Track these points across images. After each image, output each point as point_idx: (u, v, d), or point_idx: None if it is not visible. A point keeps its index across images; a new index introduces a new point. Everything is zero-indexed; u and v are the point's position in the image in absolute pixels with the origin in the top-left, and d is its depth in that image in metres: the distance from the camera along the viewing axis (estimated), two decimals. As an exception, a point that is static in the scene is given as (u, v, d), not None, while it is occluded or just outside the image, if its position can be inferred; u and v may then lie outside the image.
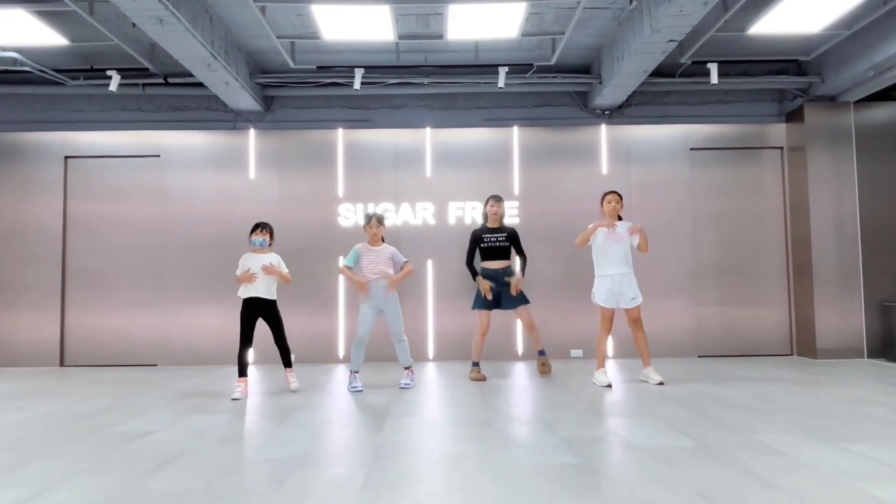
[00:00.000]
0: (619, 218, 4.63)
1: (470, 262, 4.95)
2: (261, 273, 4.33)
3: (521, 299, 4.85)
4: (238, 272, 4.33)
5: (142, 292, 6.05)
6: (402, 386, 4.51)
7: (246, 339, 4.28)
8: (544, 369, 4.98)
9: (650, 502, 2.11)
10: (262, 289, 4.34)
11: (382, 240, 4.64)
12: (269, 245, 4.42)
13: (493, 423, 3.39)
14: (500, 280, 4.86)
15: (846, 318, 5.79)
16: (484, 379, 4.85)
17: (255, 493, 2.26)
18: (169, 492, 2.30)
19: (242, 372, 4.28)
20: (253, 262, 4.36)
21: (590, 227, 4.53)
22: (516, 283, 4.77)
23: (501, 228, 4.92)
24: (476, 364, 4.95)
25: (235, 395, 4.15)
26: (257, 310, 4.36)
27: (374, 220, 4.56)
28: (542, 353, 5.03)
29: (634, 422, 3.35)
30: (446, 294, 6.03)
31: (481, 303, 4.84)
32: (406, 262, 4.62)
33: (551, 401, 3.98)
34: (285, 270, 4.45)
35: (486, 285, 4.75)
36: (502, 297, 4.83)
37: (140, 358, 5.97)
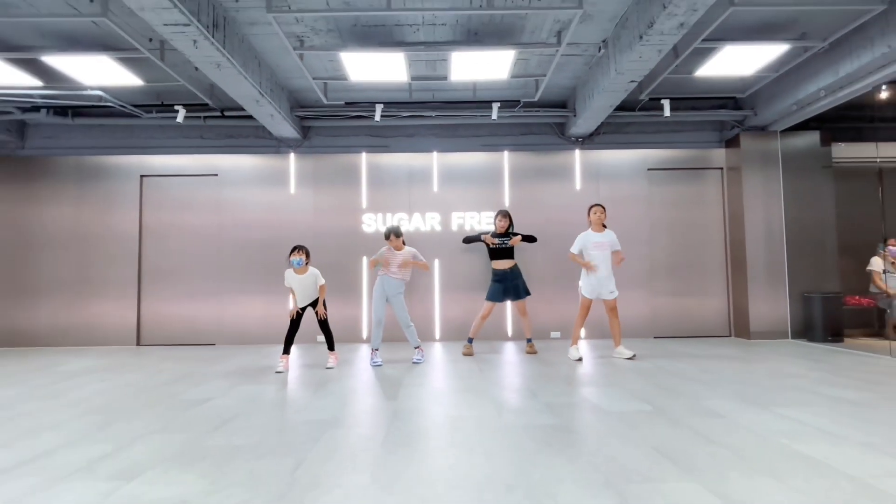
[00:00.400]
0: (604, 226, 5.02)
1: (466, 240, 5.56)
2: (300, 289, 4.63)
3: (526, 292, 5.33)
4: (286, 284, 4.68)
5: (203, 285, 6.57)
6: (414, 361, 4.86)
7: (293, 327, 4.65)
8: (531, 350, 5.38)
9: (614, 456, 2.27)
10: (306, 300, 4.71)
11: (403, 243, 4.99)
12: (306, 263, 4.64)
13: (488, 391, 3.58)
14: (508, 278, 5.33)
15: (774, 306, 6.33)
16: (472, 354, 5.28)
17: (295, 448, 2.42)
18: (226, 447, 2.45)
19: (286, 350, 4.61)
20: (295, 281, 4.64)
21: (586, 263, 4.91)
22: (515, 240, 5.27)
23: (507, 234, 5.38)
24: (470, 340, 5.41)
25: (279, 369, 4.48)
26: (304, 309, 4.74)
27: (392, 236, 4.87)
28: (529, 340, 5.47)
29: (603, 390, 3.55)
30: (451, 287, 6.57)
31: (493, 297, 5.29)
32: (422, 261, 5.00)
33: (535, 373, 4.22)
34: (322, 282, 4.70)
35: (490, 238, 5.29)
36: (511, 291, 5.31)
37: (202, 338, 6.52)
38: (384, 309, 4.93)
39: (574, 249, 5.06)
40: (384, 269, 4.93)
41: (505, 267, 5.31)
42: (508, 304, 6.48)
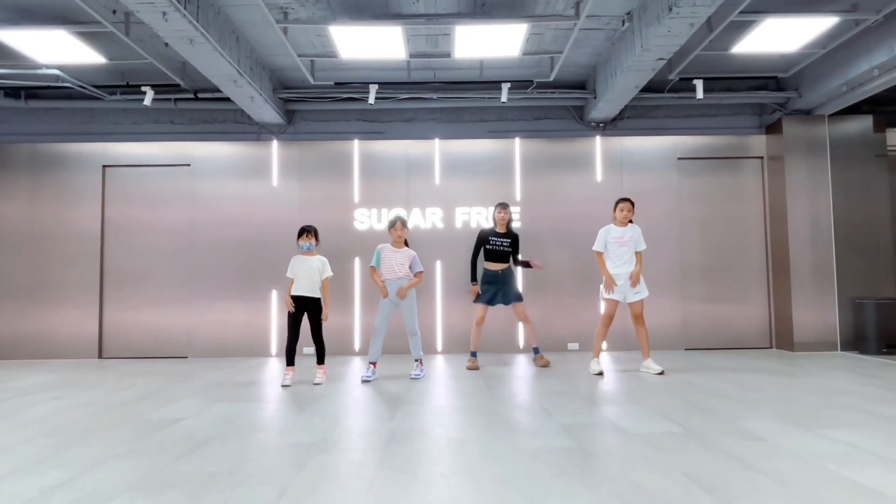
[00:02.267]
0: (630, 222, 4.79)
1: (475, 260, 5.20)
2: (305, 272, 4.43)
3: (516, 297, 5.16)
4: (288, 273, 4.45)
5: (173, 290, 6.24)
6: (413, 377, 4.61)
7: (291, 333, 4.41)
8: (542, 362, 5.15)
9: (640, 484, 2.17)
10: (306, 287, 4.43)
11: (406, 243, 4.74)
12: (316, 245, 4.54)
13: (497, 410, 3.48)
14: (500, 280, 5.14)
15: (821, 313, 5.99)
16: (478, 368, 5.07)
17: (277, 476, 2.33)
18: (198, 474, 2.36)
19: (290, 361, 4.41)
20: (300, 264, 4.44)
21: (607, 276, 4.70)
22: (534, 263, 5.20)
23: (507, 234, 5.20)
24: (474, 354, 5.21)
25: (285, 382, 4.31)
26: (302, 306, 4.45)
27: (399, 223, 4.64)
28: (536, 350, 5.24)
29: (626, 409, 3.43)
30: (454, 292, 6.25)
31: (482, 299, 5.14)
32: (420, 271, 4.69)
33: (550, 390, 4.10)
34: (329, 273, 4.54)
35: (475, 290, 5.14)
36: (501, 295, 5.13)
37: (172, 351, 6.19)
38: (388, 317, 4.67)
39: (597, 247, 4.85)
40: (383, 273, 4.69)
41: (498, 269, 5.18)
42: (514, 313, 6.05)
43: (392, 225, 4.67)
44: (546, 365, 5.15)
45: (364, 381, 4.48)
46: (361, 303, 6.25)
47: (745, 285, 6.39)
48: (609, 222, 4.92)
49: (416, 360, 4.77)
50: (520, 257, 5.33)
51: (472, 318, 5.34)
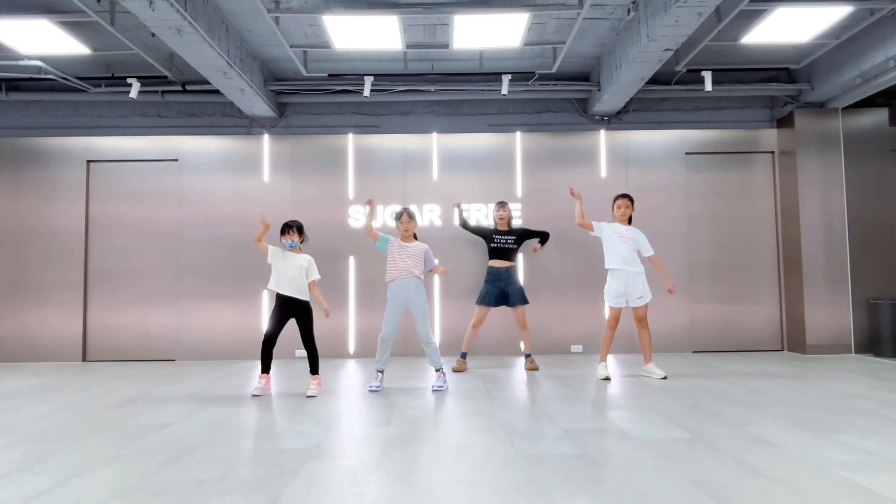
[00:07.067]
0: (629, 221, 4.71)
1: (467, 224, 5.47)
2: (289, 270, 4.10)
3: (523, 299, 5.07)
4: (269, 259, 4.12)
5: (160, 291, 6.10)
6: (435, 389, 4.25)
7: (270, 332, 4.09)
8: (532, 367, 5.08)
9: (646, 491, 2.15)
10: (291, 287, 4.10)
11: (415, 237, 4.43)
12: (301, 243, 4.24)
13: (497, 415, 3.44)
14: (504, 279, 5.08)
15: (835, 315, 5.89)
16: (465, 370, 5.03)
17: (268, 483, 2.29)
18: (187, 481, 2.33)
19: (265, 368, 4.13)
20: (283, 259, 4.14)
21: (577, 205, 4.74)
22: (537, 248, 5.36)
23: (511, 231, 5.19)
24: (464, 356, 5.16)
25: (255, 392, 4.06)
26: (288, 308, 4.14)
27: (406, 216, 4.32)
28: (528, 356, 5.17)
29: (632, 414, 3.40)
30: (454, 292, 6.08)
31: (485, 300, 5.03)
32: (436, 265, 4.41)
33: (553, 394, 4.04)
34: (315, 276, 4.21)
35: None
36: (504, 295, 5.05)
37: (159, 353, 6.05)
38: (397, 324, 4.30)
39: (595, 222, 4.76)
40: (393, 274, 4.29)
41: (503, 266, 5.14)
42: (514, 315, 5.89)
43: (398, 217, 4.34)
44: (535, 369, 5.07)
45: (371, 391, 4.18)
46: (356, 303, 6.10)
47: (755, 285, 6.26)
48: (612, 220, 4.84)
49: (437, 371, 4.37)
50: (536, 238, 5.42)
51: (470, 320, 5.22)
